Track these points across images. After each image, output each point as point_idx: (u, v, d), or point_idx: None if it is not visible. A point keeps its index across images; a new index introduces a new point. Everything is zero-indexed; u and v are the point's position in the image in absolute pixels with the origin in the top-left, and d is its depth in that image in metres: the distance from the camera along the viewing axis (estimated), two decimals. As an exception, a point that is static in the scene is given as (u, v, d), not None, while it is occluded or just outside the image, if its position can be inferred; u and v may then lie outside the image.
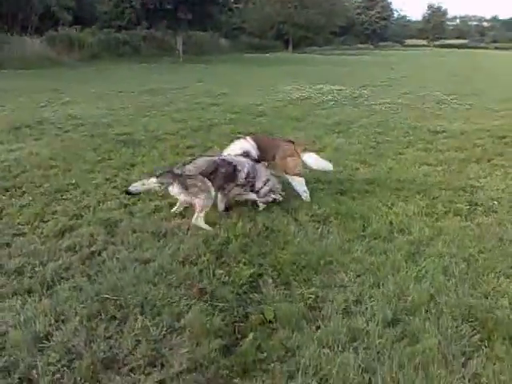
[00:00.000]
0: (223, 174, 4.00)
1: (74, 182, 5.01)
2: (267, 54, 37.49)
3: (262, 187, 4.18)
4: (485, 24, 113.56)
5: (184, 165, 4.02)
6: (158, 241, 3.66)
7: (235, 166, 4.06)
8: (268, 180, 4.22)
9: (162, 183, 3.92)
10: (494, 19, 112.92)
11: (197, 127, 7.98)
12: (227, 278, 3.12)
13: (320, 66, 26.27)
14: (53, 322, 2.63)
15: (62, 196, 4.62)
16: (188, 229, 3.82)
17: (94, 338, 2.51)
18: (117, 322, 2.66)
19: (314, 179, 5.11)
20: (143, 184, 3.98)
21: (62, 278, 3.11)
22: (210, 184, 3.90)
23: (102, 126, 7.87)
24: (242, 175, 4.07)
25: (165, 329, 2.59)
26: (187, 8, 28.80)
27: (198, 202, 3.86)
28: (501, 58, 39.11)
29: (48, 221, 4.02)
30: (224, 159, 4.11)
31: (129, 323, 2.64)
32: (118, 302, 2.81)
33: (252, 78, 17.93)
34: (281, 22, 48.96)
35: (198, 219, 3.87)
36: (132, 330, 2.58)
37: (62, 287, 2.97)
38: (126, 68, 21.42)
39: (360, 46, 63.98)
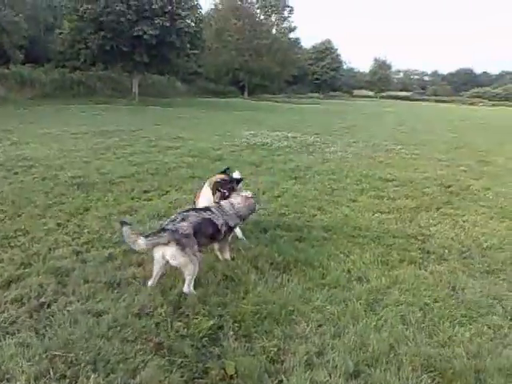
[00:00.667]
0: (208, 234, 3.74)
1: (22, 227, 4.75)
2: (223, 100, 38.35)
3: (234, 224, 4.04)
4: (426, 78, 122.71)
5: (174, 221, 3.56)
6: (112, 291, 3.51)
7: (217, 225, 3.80)
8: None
9: (154, 244, 3.41)
10: (435, 74, 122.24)
11: (153, 171, 7.89)
12: (186, 330, 3.03)
13: (274, 112, 27.17)
14: (-4, 381, 2.42)
15: (9, 243, 4.35)
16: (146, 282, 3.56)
17: (41, 400, 2.33)
18: (67, 381, 2.50)
19: (274, 225, 5.15)
20: (129, 237, 3.45)
21: (8, 332, 2.91)
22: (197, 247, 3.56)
23: (54, 169, 7.61)
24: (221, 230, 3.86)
25: (119, 387, 2.45)
26: (144, 51, 29.23)
27: (192, 266, 3.44)
28: (441, 112, 42.14)
29: (-7, 270, 3.76)
30: (209, 218, 3.76)
31: (80, 382, 2.48)
32: (68, 359, 2.65)
33: (209, 122, 18.19)
34: (237, 68, 50.81)
35: (191, 287, 3.48)
36: (83, 390, 2.42)
37: (7, 343, 2.77)
38: (80, 109, 21.12)
39: (311, 94, 66.94)
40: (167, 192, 6.55)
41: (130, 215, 5.38)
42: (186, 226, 3.48)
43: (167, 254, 3.40)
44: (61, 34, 30.71)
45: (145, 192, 6.49)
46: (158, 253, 3.46)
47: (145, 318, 3.14)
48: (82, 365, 2.60)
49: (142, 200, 6.11)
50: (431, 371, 2.67)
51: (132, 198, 6.14)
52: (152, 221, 5.13)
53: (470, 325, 3.25)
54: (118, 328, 2.99)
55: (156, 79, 37.87)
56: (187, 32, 30.11)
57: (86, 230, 4.81)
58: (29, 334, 2.88)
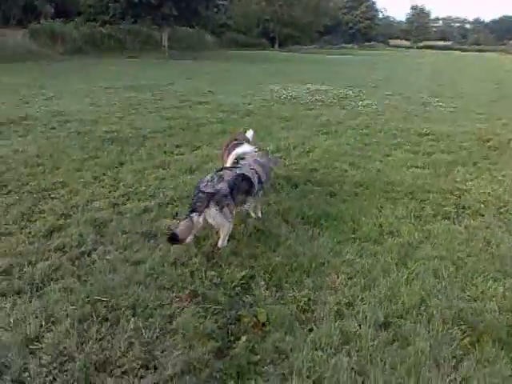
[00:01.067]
0: (243, 189, 3.73)
1: (61, 180, 4.93)
2: (253, 52, 37.47)
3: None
4: (467, 26, 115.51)
5: (212, 181, 3.53)
6: (149, 241, 3.63)
7: (250, 179, 3.80)
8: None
9: (202, 210, 3.39)
10: (477, 21, 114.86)
11: (185, 126, 7.92)
12: (219, 279, 3.12)
13: (306, 65, 26.37)
14: (43, 323, 2.60)
15: (49, 195, 4.54)
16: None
17: (85, 340, 2.50)
18: (108, 324, 2.64)
19: (305, 180, 5.14)
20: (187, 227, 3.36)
21: (52, 279, 3.07)
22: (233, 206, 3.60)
23: (89, 123, 7.75)
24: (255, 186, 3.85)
25: (157, 331, 2.60)
26: (173, 3, 28.56)
27: (228, 225, 3.53)
28: (483, 61, 39.79)
29: (36, 220, 3.96)
30: (243, 173, 3.77)
31: (121, 325, 2.62)
32: (109, 304, 2.80)
33: (239, 76, 17.89)
34: (266, 19, 49.04)
35: (225, 242, 3.58)
36: (124, 332, 2.57)
37: (51, 288, 2.94)
38: (111, 63, 21.12)
39: (345, 45, 64.34)
40: (198, 147, 6.58)
41: (164, 169, 5.48)
42: (223, 186, 3.49)
43: (207, 215, 3.41)
44: (91, -14, 30.34)
45: (177, 147, 6.55)
46: (199, 217, 3.40)
47: (180, 267, 3.26)
48: (122, 309, 2.75)
49: (175, 154, 6.17)
50: (462, 324, 2.68)
51: (164, 153, 6.22)
52: (184, 175, 5.21)
53: (504, 279, 3.21)
54: (155, 276, 3.13)
55: (185, 32, 37.07)
56: (216, -18, 29.17)
57: (121, 184, 4.94)
58: (72, 280, 3.05)
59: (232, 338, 2.59)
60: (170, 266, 3.26)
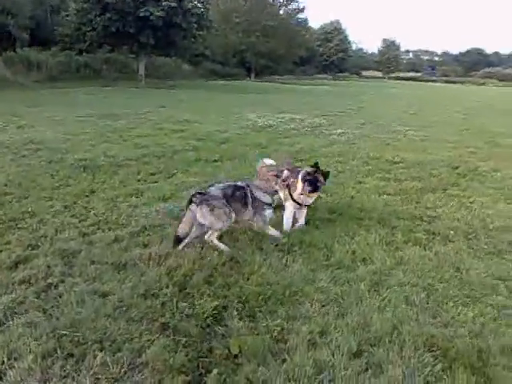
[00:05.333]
0: (237, 197, 4.04)
1: (30, 209, 4.81)
2: (230, 82, 38.07)
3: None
4: (436, 58, 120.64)
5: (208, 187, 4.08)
6: (118, 273, 3.54)
7: (243, 188, 4.12)
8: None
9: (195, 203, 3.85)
10: (445, 54, 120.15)
11: (160, 153, 7.90)
12: (191, 310, 3.05)
13: (282, 94, 26.91)
14: (5, 360, 2.49)
15: (16, 225, 4.42)
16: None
17: (49, 377, 2.40)
18: (74, 359, 2.55)
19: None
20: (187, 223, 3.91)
21: (16, 313, 2.95)
22: (230, 209, 3.95)
23: (61, 152, 7.63)
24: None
25: (125, 365, 2.51)
26: (150, 33, 28.93)
27: (221, 224, 3.90)
28: (451, 92, 41.46)
29: (1, 251, 3.83)
30: (235, 184, 4.16)
31: (87, 360, 2.53)
32: (75, 339, 2.70)
33: (215, 104, 18.09)
34: (243, 50, 50.14)
35: (211, 236, 3.94)
36: (90, 367, 2.47)
37: (15, 323, 2.82)
38: (87, 91, 21.07)
39: (319, 76, 66.13)
40: (173, 175, 6.56)
41: (137, 197, 5.42)
42: (213, 190, 3.96)
43: (199, 215, 3.82)
44: (67, 15, 30.46)
45: (151, 174, 6.52)
46: (190, 214, 3.87)
47: (151, 298, 3.18)
48: (89, 344, 2.65)
49: (148, 182, 6.13)
50: (434, 350, 2.68)
51: (138, 181, 6.18)
52: (157, 203, 5.16)
53: (474, 305, 3.25)
54: (124, 308, 3.04)
55: (162, 61, 37.54)
56: (194, 13, 29.74)
57: (92, 212, 4.85)
58: (36, 314, 2.93)
59: (203, 371, 2.52)
60: (140, 298, 3.17)
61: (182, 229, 3.88)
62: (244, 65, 52.20)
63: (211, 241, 3.94)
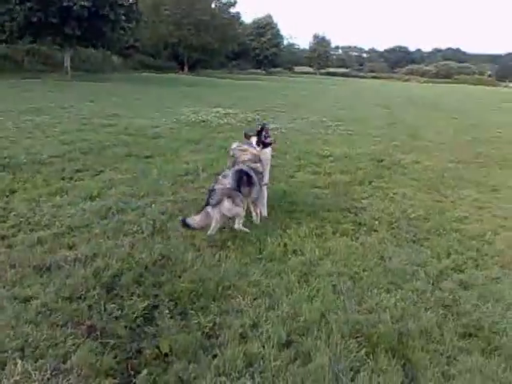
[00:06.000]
0: (246, 182, 4.33)
1: None
2: (162, 75, 37.22)
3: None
4: (364, 55, 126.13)
5: (218, 181, 4.27)
6: (41, 276, 3.35)
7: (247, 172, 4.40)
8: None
9: (217, 204, 4.08)
10: (372, 50, 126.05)
11: (86, 149, 7.53)
12: (119, 312, 2.96)
13: (216, 89, 26.78)
14: None
15: None
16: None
17: (-36, 391, 2.22)
18: (-7, 369, 2.38)
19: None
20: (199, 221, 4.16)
21: None
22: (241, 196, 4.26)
23: (-24, 149, 7.05)
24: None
25: (49, 372, 2.38)
26: (75, 23, 27.45)
27: (243, 213, 4.29)
28: (377, 88, 43.54)
29: None
30: (241, 169, 4.40)
31: (7, 369, 2.38)
32: (-7, 347, 2.51)
33: (147, 98, 17.59)
34: (175, 43, 49.24)
35: (240, 224, 4.29)
36: (11, 376, 2.34)
37: None
38: (7, 85, 19.58)
39: (252, 70, 66.59)
40: (101, 172, 6.30)
41: (61, 196, 5.14)
42: (230, 182, 4.17)
43: (223, 208, 4.08)
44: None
45: (77, 172, 6.21)
46: (213, 210, 4.10)
47: (77, 301, 3.04)
48: (9, 352, 2.49)
49: (74, 180, 5.84)
50: (358, 336, 2.81)
51: (63, 179, 5.85)
52: (83, 202, 4.94)
53: (396, 291, 3.44)
54: (48, 313, 2.88)
55: (90, 53, 35.87)
56: (122, 5, 28.68)
57: (12, 213, 4.54)
58: (-52, 324, 2.70)
59: (132, 373, 2.46)
60: (65, 301, 3.02)
61: (197, 223, 4.12)
62: (177, 58, 51.32)
63: (240, 229, 4.29)
